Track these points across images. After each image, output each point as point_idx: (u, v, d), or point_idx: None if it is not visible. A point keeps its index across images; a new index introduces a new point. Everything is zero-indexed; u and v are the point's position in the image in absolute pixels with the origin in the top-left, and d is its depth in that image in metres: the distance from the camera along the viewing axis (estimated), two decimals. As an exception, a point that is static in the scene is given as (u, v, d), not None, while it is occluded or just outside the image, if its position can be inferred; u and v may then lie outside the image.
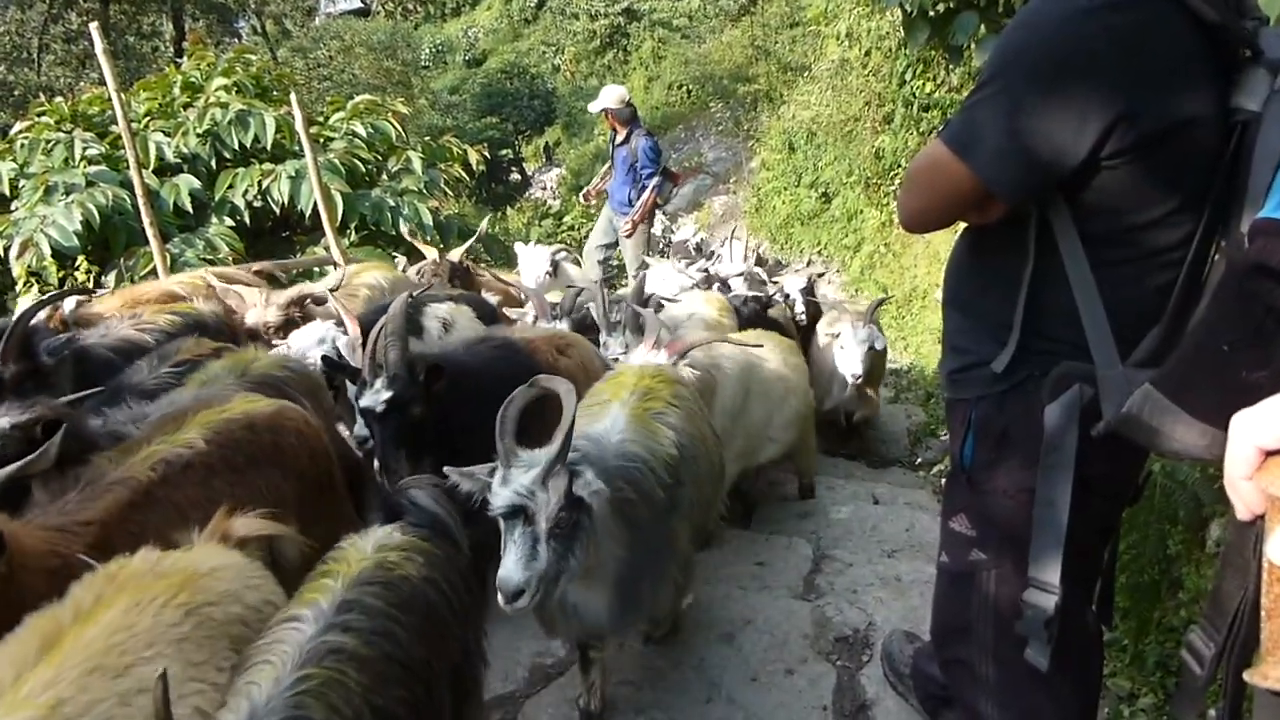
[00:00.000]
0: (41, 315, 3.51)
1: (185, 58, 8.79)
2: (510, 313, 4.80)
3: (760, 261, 7.50)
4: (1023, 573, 1.72)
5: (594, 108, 7.75)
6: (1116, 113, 1.48)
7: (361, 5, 25.50)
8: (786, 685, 2.76)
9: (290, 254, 6.32)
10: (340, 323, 3.66)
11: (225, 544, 1.87)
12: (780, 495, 4.47)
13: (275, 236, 7.08)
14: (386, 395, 2.66)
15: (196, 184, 6.46)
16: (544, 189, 17.10)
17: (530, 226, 13.84)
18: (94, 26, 5.25)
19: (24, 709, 1.29)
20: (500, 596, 1.84)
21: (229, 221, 6.50)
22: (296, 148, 6.56)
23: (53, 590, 1.59)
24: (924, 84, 8.72)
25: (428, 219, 6.93)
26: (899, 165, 9.17)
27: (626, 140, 7.64)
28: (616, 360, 3.66)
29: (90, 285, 5.60)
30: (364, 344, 2.96)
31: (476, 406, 2.52)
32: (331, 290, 4.18)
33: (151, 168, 6.34)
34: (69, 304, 3.93)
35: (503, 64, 19.64)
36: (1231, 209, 1.53)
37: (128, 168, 5.57)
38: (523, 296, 4.90)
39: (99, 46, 5.04)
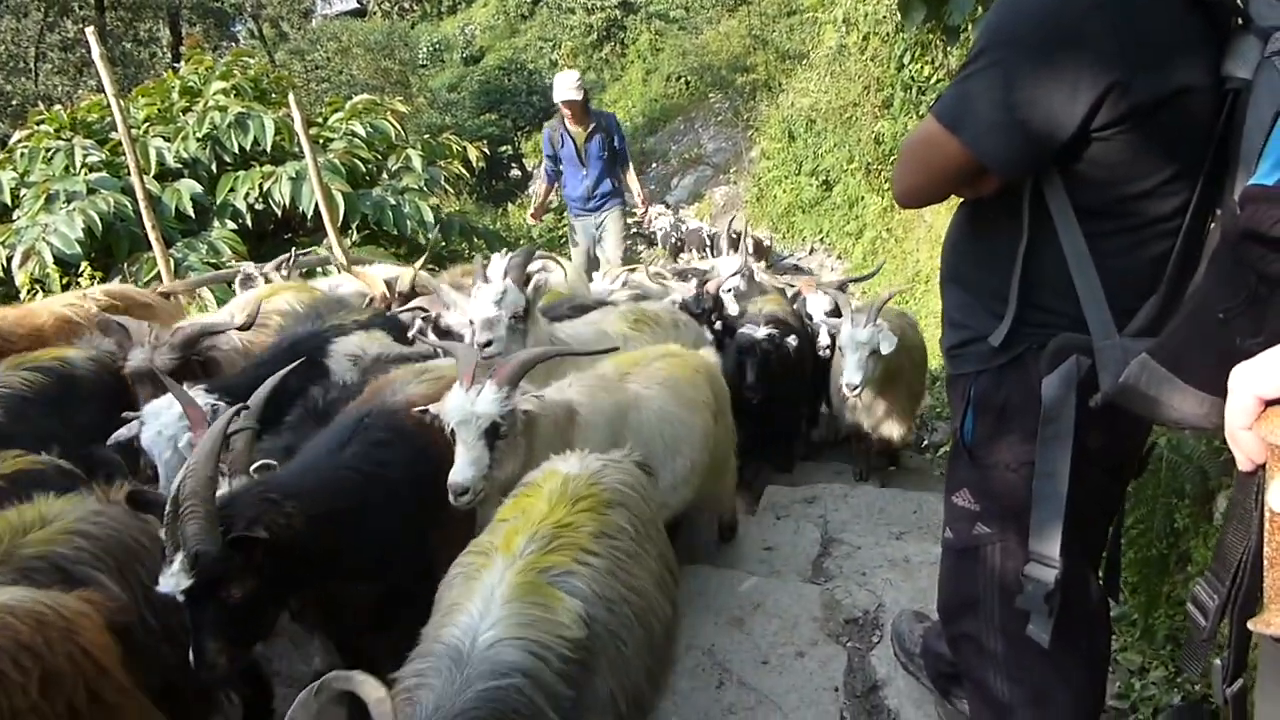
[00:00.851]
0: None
1: (183, 62, 8.83)
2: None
3: (759, 251, 7.13)
4: (1026, 545, 1.72)
5: (558, 98, 6.93)
6: (1108, 83, 1.48)
7: (358, 6, 25.51)
8: (797, 667, 2.78)
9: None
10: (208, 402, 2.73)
11: None
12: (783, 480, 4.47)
13: (278, 238, 7.09)
14: (186, 583, 1.88)
15: (198, 188, 6.49)
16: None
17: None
18: (91, 33, 5.25)
19: None
20: None
21: (231, 225, 6.53)
22: (296, 149, 6.57)
23: None
24: (922, 67, 8.68)
25: (429, 217, 6.95)
26: (899, 150, 9.13)
27: (595, 132, 6.93)
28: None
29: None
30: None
31: (354, 542, 2.15)
32: (241, 328, 3.53)
33: (152, 173, 6.36)
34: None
35: (500, 60, 19.60)
36: (1225, 177, 1.53)
37: (128, 174, 5.59)
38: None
39: (96, 53, 5.05)
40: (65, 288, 5.99)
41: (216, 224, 6.53)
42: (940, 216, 7.53)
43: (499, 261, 3.22)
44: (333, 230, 5.49)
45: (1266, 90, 1.43)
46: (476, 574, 1.73)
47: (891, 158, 9.41)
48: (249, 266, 5.09)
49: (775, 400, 4.21)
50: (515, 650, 1.53)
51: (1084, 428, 1.62)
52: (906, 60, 8.83)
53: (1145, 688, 2.63)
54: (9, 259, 5.91)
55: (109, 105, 5.55)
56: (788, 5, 14.86)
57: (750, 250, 6.97)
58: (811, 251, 11.01)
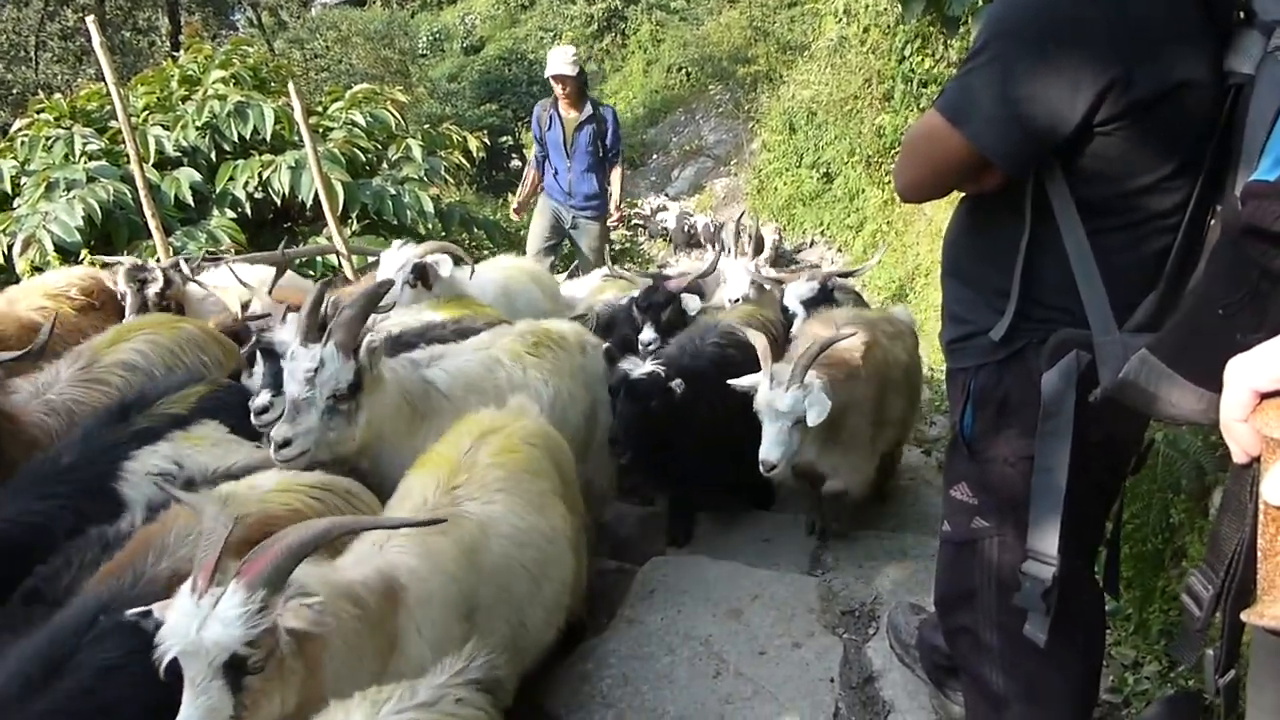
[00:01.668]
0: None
1: (182, 51, 8.79)
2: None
3: (759, 248, 6.64)
4: (1025, 540, 1.73)
5: (549, 72, 6.47)
6: (1109, 78, 1.49)
7: (357, -6, 25.38)
8: (794, 658, 2.79)
9: (293, 244, 6.29)
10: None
11: None
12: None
13: (277, 227, 7.07)
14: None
15: (197, 177, 6.47)
16: (544, 175, 17.02)
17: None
18: (91, 22, 5.24)
19: None
20: None
21: (230, 213, 6.51)
22: (296, 138, 6.55)
23: None
24: (923, 60, 8.66)
25: (429, 207, 6.93)
26: (900, 143, 9.10)
27: (587, 123, 6.46)
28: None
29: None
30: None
31: None
32: (18, 358, 2.76)
33: (152, 162, 6.33)
34: None
35: (501, 50, 19.51)
36: (1226, 173, 1.53)
37: (128, 162, 5.58)
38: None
39: (96, 42, 5.03)
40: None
41: (216, 212, 6.51)
42: (941, 210, 7.52)
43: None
44: (332, 220, 5.48)
45: (1269, 86, 1.42)
46: None
47: (892, 151, 9.40)
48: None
49: (691, 451, 3.32)
50: None
51: (1083, 423, 1.62)
52: (907, 53, 8.81)
53: (1139, 682, 2.64)
54: (10, 247, 5.90)
55: (109, 94, 5.54)
56: (789, -4, 14.82)
57: (763, 252, 6.38)
58: (812, 244, 11.00)
